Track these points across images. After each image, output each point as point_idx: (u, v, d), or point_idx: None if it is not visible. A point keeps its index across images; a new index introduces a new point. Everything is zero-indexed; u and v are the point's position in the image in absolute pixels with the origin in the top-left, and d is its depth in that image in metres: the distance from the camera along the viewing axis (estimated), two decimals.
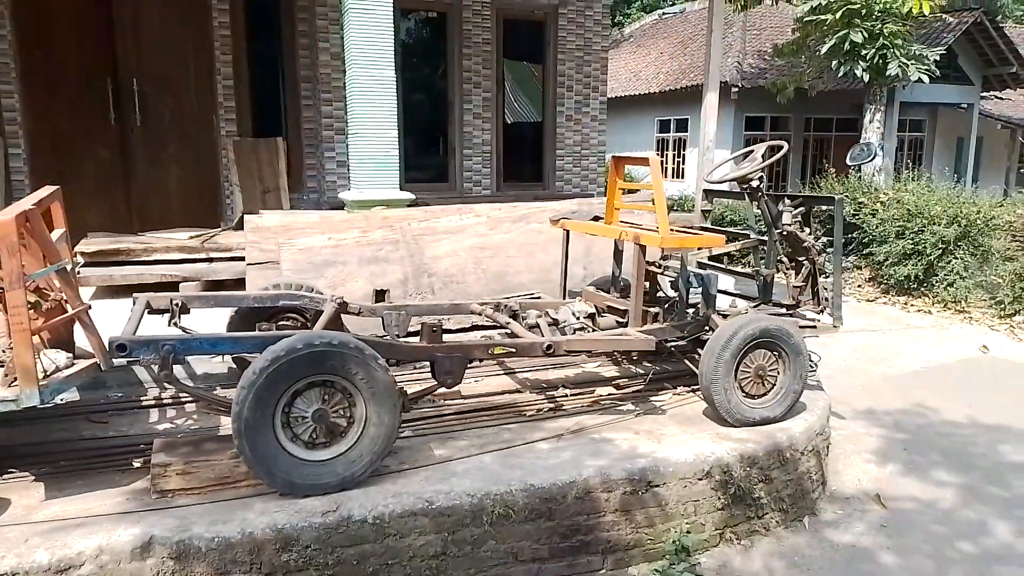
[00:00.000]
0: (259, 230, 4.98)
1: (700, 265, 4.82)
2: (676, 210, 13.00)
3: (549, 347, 3.63)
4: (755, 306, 4.60)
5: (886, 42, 10.45)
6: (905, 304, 8.65)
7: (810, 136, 18.28)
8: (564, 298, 4.65)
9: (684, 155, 18.46)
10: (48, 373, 2.88)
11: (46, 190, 3.43)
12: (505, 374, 4.50)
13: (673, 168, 18.86)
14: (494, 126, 8.91)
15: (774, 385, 3.84)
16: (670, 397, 4.22)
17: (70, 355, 3.08)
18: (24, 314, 2.72)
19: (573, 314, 4.19)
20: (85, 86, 7.27)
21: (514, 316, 4.14)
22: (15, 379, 2.76)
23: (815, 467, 3.90)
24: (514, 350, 3.65)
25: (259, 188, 7.39)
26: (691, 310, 4.25)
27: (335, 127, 7.84)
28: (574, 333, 4.02)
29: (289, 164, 7.70)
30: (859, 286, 9.28)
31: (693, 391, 4.20)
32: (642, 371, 4.43)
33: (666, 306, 4.26)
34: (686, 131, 18.06)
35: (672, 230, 3.96)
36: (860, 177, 10.17)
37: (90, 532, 2.69)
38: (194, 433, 3.50)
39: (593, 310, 4.29)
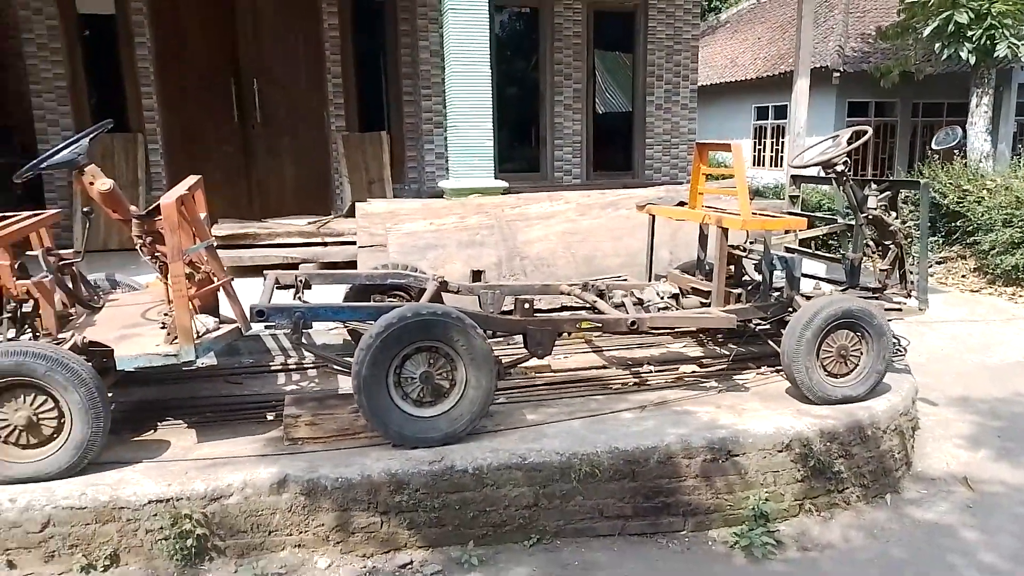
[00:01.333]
0: (369, 216, 5.44)
1: (788, 250, 4.93)
2: (772, 198, 12.80)
3: (633, 323, 3.88)
4: (842, 290, 4.68)
5: (994, 22, 9.95)
6: (1012, 295, 8.30)
7: (918, 122, 17.46)
8: (650, 280, 4.87)
9: (783, 143, 18.04)
10: (200, 334, 3.37)
11: (192, 178, 3.95)
12: (593, 351, 4.77)
13: (771, 156, 18.45)
14: (584, 116, 9.14)
15: (857, 365, 3.94)
16: (753, 376, 4.38)
17: (216, 320, 3.59)
18: (183, 283, 3.22)
19: (657, 294, 4.41)
20: (212, 87, 8.00)
21: (600, 295, 4.40)
22: (175, 338, 3.26)
23: (898, 446, 3.98)
24: (600, 325, 3.93)
25: (365, 179, 7.93)
26: (776, 293, 4.39)
27: (434, 121, 8.29)
28: (658, 312, 4.24)
29: (392, 156, 8.21)
30: (963, 276, 8.95)
31: (776, 371, 4.34)
32: (727, 352, 4.61)
33: (749, 288, 4.41)
34: (785, 118, 17.63)
35: (755, 214, 4.12)
36: (966, 163, 9.77)
37: (236, 469, 3.17)
38: (319, 391, 3.97)
39: (677, 291, 4.50)
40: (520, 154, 9.32)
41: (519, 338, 3.95)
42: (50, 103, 7.44)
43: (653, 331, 4.25)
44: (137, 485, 3.04)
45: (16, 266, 3.55)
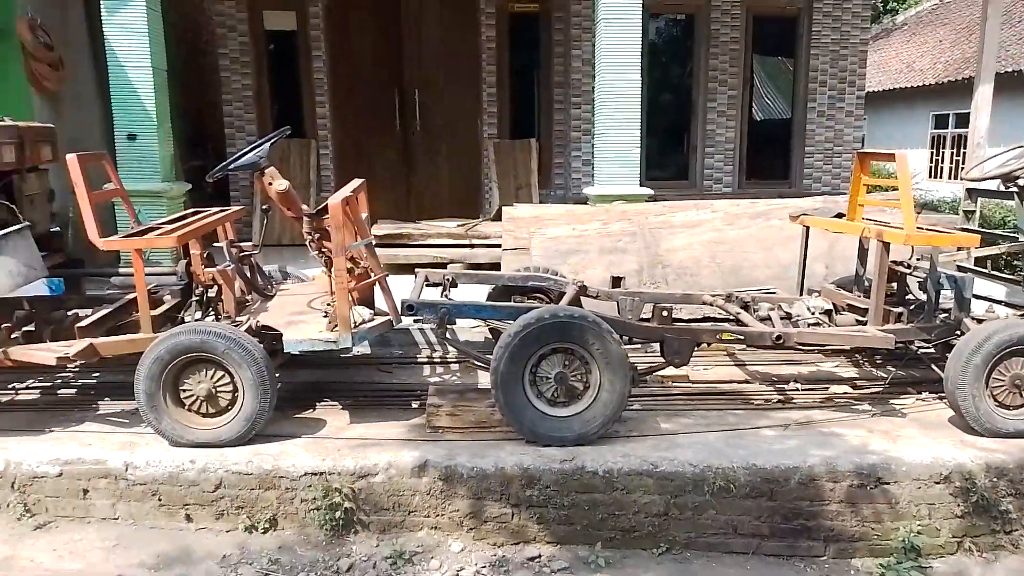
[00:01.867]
0: (514, 220, 5.62)
1: (960, 269, 4.55)
2: (948, 213, 11.76)
3: (779, 337, 3.74)
4: (1021, 314, 4.25)
5: None
6: None
7: None
8: (801, 295, 4.66)
9: (964, 153, 16.50)
10: (357, 324, 3.64)
11: (356, 182, 4.28)
12: (735, 365, 4.65)
13: (950, 168, 16.93)
14: (738, 123, 8.86)
15: None
16: (912, 401, 4.08)
17: (372, 312, 3.86)
18: (344, 276, 3.50)
19: (808, 309, 4.22)
20: (377, 97, 8.56)
21: (745, 307, 4.27)
22: (335, 326, 3.55)
23: None
24: (742, 338, 3.82)
25: (513, 184, 8.16)
26: (943, 314, 4.07)
27: (582, 128, 8.38)
28: (807, 328, 4.06)
29: (540, 163, 8.39)
30: None
31: (939, 398, 4.01)
32: (883, 375, 4.32)
33: (912, 307, 4.12)
34: (967, 126, 16.13)
35: (921, 228, 3.84)
36: None
37: (382, 450, 3.40)
38: (459, 384, 4.17)
39: (830, 307, 4.28)
40: (669, 161, 9.20)
41: (656, 346, 3.93)
42: (238, 111, 8.28)
43: (801, 347, 4.06)
44: (296, 458, 3.34)
45: (204, 256, 4.03)
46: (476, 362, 4.00)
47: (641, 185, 6.28)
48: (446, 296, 4.37)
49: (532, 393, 3.48)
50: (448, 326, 3.90)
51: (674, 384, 4.27)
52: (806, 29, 8.82)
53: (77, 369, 4.23)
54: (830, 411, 3.93)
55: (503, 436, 3.55)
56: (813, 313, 4.19)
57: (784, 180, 9.06)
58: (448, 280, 4.50)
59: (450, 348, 4.49)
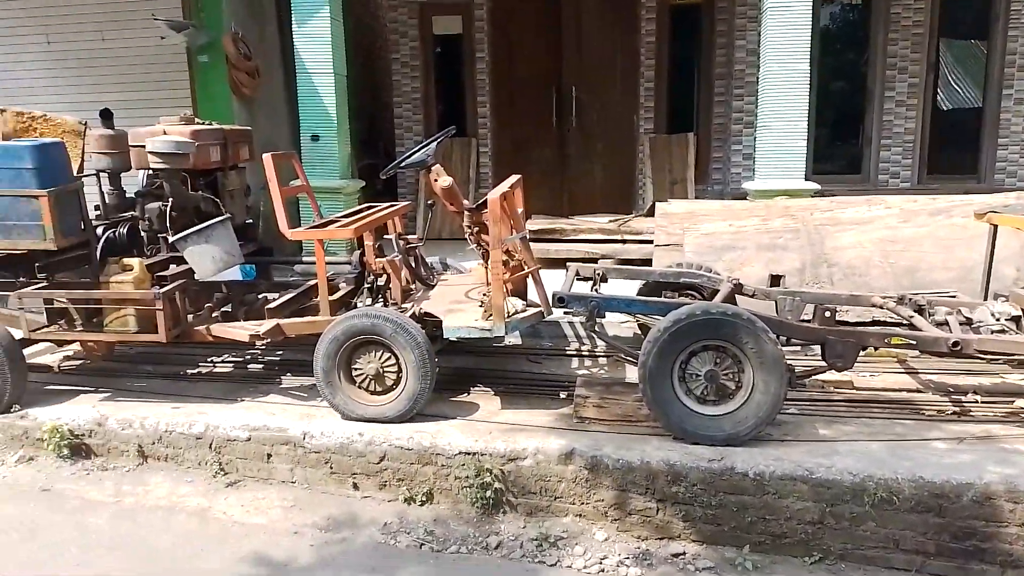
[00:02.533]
0: (667, 215, 5.57)
1: None
2: None
3: (956, 344, 3.46)
4: None
5: None
6: None
7: None
8: (986, 299, 4.27)
9: None
10: (511, 314, 3.80)
11: (514, 178, 4.45)
12: (906, 373, 4.34)
13: None
14: (920, 113, 8.17)
15: None
16: None
17: (524, 303, 4.01)
18: (500, 268, 3.67)
19: (992, 314, 3.86)
20: (536, 96, 8.77)
21: (919, 311, 3.98)
22: (490, 315, 3.73)
23: None
24: (914, 343, 3.57)
25: (668, 179, 8.07)
26: None
27: (744, 121, 8.10)
28: (990, 334, 3.72)
29: (697, 157, 8.22)
30: None
31: None
32: None
33: None
34: None
35: None
36: None
37: (531, 436, 3.54)
38: (607, 377, 4.22)
39: (1019, 313, 3.89)
40: (840, 154, 8.67)
41: (817, 349, 3.76)
42: (407, 112, 8.81)
43: (982, 356, 3.72)
44: (451, 437, 3.56)
45: (376, 247, 4.37)
46: (624, 356, 4.03)
47: (807, 179, 5.99)
48: (596, 290, 4.44)
49: (681, 389, 3.46)
50: (597, 320, 3.97)
51: (836, 390, 4.06)
52: (1003, 8, 7.96)
53: (264, 347, 4.74)
54: (1015, 427, 3.58)
55: (649, 431, 3.57)
56: (998, 319, 3.83)
57: (972, 175, 8.25)
58: (599, 275, 4.57)
59: (598, 342, 4.55)
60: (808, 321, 3.86)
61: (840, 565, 3.15)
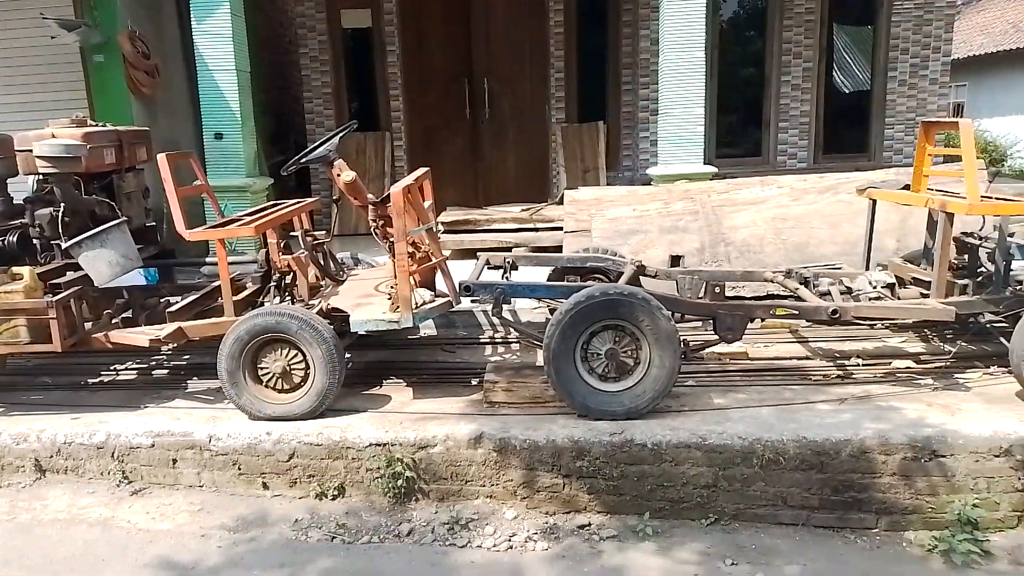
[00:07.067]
0: (576, 203, 5.71)
1: None
2: None
3: (835, 312, 3.71)
4: None
5: None
6: None
7: None
8: (867, 269, 4.57)
9: None
10: (419, 305, 3.86)
11: (420, 171, 4.49)
12: (797, 342, 4.61)
13: None
14: (814, 96, 8.59)
15: None
16: (979, 376, 3.96)
17: (432, 293, 4.07)
18: (405, 260, 3.71)
19: (870, 283, 4.15)
20: (448, 88, 8.79)
21: (805, 283, 4.23)
22: (397, 307, 3.78)
23: None
24: (797, 312, 3.81)
25: (580, 167, 8.24)
26: (1020, 286, 3.92)
27: (650, 108, 8.32)
28: (868, 302, 3.99)
29: (608, 145, 8.41)
30: None
31: (1009, 372, 3.87)
32: (952, 349, 4.20)
33: (981, 279, 3.98)
34: None
35: (986, 197, 3.71)
36: None
37: (441, 424, 3.61)
38: (517, 362, 4.33)
39: (893, 280, 4.19)
40: (743, 138, 9.02)
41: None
42: (318, 108, 8.70)
43: (860, 322, 4.00)
44: (361, 430, 3.60)
45: (282, 244, 4.35)
46: (531, 340, 4.14)
47: (710, 163, 6.23)
48: (506, 278, 4.54)
49: (583, 369, 3.60)
50: (508, 307, 4.06)
51: (732, 361, 4.29)
52: None
53: (169, 351, 4.65)
54: (890, 386, 3.87)
55: (557, 411, 3.69)
56: (875, 287, 4.12)
57: (863, 153, 8.73)
58: (509, 263, 4.67)
59: (509, 328, 4.65)
60: (701, 298, 4.05)
61: (734, 524, 3.35)
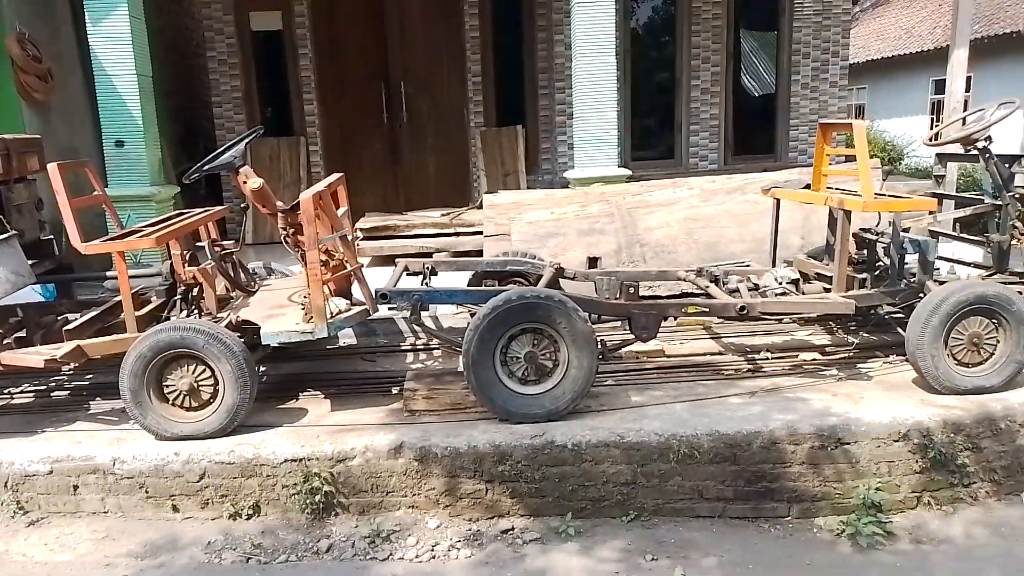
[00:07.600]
0: (495, 207, 5.72)
1: (932, 233, 4.60)
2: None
3: (743, 308, 3.83)
4: (989, 275, 4.31)
5: None
6: None
7: None
8: (774, 266, 4.74)
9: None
10: (333, 314, 3.76)
11: (333, 176, 4.40)
12: (711, 338, 4.74)
13: None
14: (723, 99, 8.90)
15: (992, 354, 3.66)
16: (880, 365, 4.17)
17: (348, 302, 3.98)
18: (318, 268, 3.62)
19: (775, 279, 4.30)
20: (364, 92, 8.65)
21: (715, 281, 4.36)
22: (311, 317, 3.68)
23: None
24: (708, 310, 3.92)
25: (501, 171, 8.26)
26: (912, 278, 4.15)
27: (567, 112, 8.42)
28: (773, 298, 4.14)
29: (527, 149, 8.47)
30: None
31: (906, 360, 4.09)
32: (855, 340, 4.40)
33: (878, 273, 4.19)
34: (969, 91, 15.95)
35: (879, 195, 3.91)
36: None
37: (360, 435, 3.54)
38: (438, 368, 4.29)
39: (797, 276, 4.36)
40: (656, 141, 9.25)
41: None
42: (228, 112, 8.42)
43: (768, 317, 4.16)
44: (276, 445, 3.48)
45: (187, 255, 4.17)
46: (449, 346, 4.12)
47: (625, 166, 6.35)
48: (426, 284, 4.49)
49: (503, 373, 3.59)
50: (429, 313, 4.02)
51: (649, 359, 4.37)
52: (788, 1, 8.82)
53: (70, 372, 4.39)
54: (798, 378, 4.03)
55: (478, 416, 3.68)
56: (780, 283, 4.28)
57: (770, 154, 9.10)
58: (428, 268, 4.63)
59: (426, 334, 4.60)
60: (617, 298, 4.12)
61: (654, 520, 3.41)
